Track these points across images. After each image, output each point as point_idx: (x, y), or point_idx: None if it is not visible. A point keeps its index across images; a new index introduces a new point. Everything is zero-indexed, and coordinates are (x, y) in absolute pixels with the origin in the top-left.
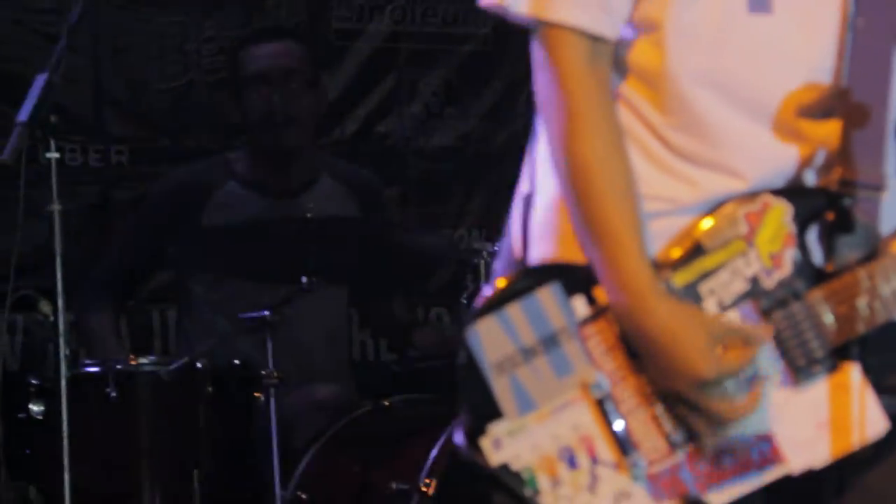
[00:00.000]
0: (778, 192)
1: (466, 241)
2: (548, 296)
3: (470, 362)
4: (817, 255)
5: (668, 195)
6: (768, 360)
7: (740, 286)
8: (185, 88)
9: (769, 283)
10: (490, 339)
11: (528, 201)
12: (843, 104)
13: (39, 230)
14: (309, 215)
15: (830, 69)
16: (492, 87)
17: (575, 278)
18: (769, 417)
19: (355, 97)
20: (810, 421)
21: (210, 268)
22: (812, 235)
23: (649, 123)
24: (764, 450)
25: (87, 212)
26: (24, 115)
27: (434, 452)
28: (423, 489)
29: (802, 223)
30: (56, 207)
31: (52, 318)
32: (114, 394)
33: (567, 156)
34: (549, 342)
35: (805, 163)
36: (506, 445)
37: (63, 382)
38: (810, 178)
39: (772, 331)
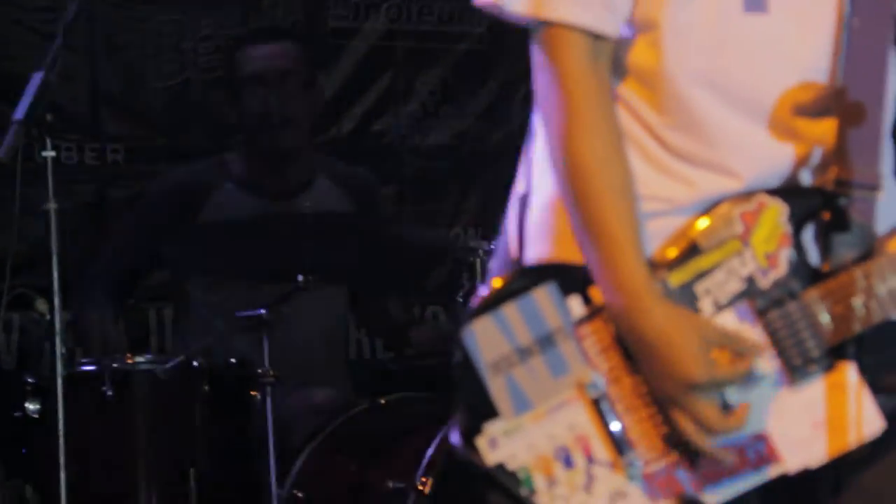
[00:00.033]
0: (773, 192)
1: (462, 239)
2: (544, 296)
3: (466, 362)
4: (813, 255)
5: (665, 195)
6: (764, 360)
7: (736, 286)
8: (182, 87)
9: (765, 282)
10: (486, 338)
11: (524, 201)
12: (839, 104)
13: (35, 228)
14: (307, 204)
15: (826, 69)
16: (488, 85)
17: (571, 278)
18: (765, 417)
19: (352, 95)
20: (807, 420)
21: (207, 268)
22: (808, 235)
23: (646, 124)
24: (760, 449)
25: (83, 210)
26: (20, 113)
27: (430, 451)
28: (420, 487)
29: (798, 223)
30: (52, 206)
31: (48, 317)
32: (110, 392)
33: (566, 156)
34: (545, 342)
35: (801, 162)
36: (502, 445)
37: (59, 381)
38: (806, 178)
39: (767, 341)
